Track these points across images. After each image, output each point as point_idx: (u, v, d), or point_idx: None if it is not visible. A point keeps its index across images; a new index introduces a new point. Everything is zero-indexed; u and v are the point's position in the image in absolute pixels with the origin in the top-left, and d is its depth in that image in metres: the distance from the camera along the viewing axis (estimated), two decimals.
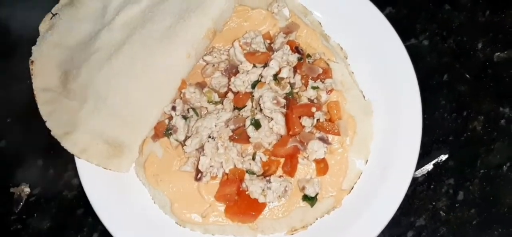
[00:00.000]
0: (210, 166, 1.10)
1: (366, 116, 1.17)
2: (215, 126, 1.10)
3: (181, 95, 1.14)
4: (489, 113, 1.26)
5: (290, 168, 1.12)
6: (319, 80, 1.17)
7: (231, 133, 1.11)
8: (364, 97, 1.18)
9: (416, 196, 1.21)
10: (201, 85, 1.16)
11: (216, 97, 1.15)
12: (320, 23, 1.23)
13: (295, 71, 1.17)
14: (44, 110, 1.10)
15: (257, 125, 1.10)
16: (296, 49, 1.18)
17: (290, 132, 1.11)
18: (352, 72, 1.20)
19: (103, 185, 1.12)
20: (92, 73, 1.10)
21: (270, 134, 1.12)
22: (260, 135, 1.12)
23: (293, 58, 1.17)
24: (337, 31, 1.22)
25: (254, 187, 1.09)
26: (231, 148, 1.11)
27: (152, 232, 1.12)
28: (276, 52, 1.16)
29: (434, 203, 1.21)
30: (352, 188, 1.14)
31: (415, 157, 1.12)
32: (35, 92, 1.12)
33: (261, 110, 1.13)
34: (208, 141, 1.09)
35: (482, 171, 1.23)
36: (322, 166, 1.13)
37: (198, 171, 1.10)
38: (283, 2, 1.23)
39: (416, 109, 1.14)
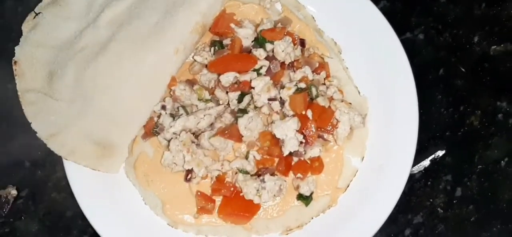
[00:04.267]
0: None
1: (361, 112, 1.14)
2: (198, 124, 1.08)
3: (171, 93, 1.11)
4: (486, 107, 1.24)
5: (284, 168, 1.09)
6: (315, 73, 1.14)
7: (212, 133, 1.09)
8: (359, 93, 1.16)
9: (413, 193, 1.19)
10: (191, 82, 1.13)
11: (206, 95, 1.12)
12: (313, 17, 1.20)
13: (293, 67, 1.14)
14: (29, 111, 1.07)
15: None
16: (300, 42, 1.15)
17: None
18: (347, 68, 1.17)
19: (92, 187, 1.09)
20: (78, 72, 1.07)
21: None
22: (253, 133, 1.09)
23: (297, 52, 1.14)
24: (331, 25, 1.19)
25: (248, 189, 1.07)
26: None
27: (143, 234, 1.09)
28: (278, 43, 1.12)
29: (431, 200, 1.19)
30: (348, 186, 1.12)
31: (412, 154, 1.10)
32: (19, 93, 1.08)
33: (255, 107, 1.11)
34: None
35: (480, 166, 1.21)
36: (317, 164, 1.10)
37: (187, 172, 1.07)
38: None
39: (412, 104, 1.12)
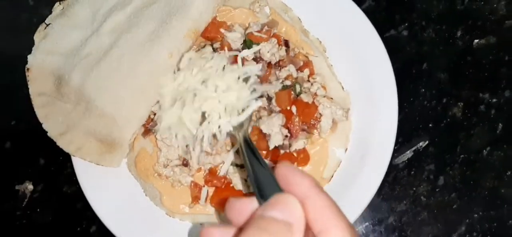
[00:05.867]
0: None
1: (345, 106, 1.21)
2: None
3: None
4: (469, 99, 1.28)
5: (271, 160, 1.17)
6: (299, 71, 1.22)
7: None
8: (343, 88, 1.23)
9: (397, 183, 1.25)
10: None
11: None
12: (299, 18, 1.28)
13: (279, 66, 1.22)
14: (40, 113, 1.18)
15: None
16: (284, 42, 1.23)
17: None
18: (331, 65, 1.24)
19: (97, 181, 1.19)
20: (83, 76, 1.18)
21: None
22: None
23: (282, 52, 1.22)
24: (316, 25, 1.26)
25: (237, 180, 1.16)
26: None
27: (144, 223, 1.19)
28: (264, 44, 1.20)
29: (414, 189, 1.24)
30: (332, 176, 1.19)
31: (391, 144, 1.16)
32: (31, 97, 1.20)
33: None
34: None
35: (462, 156, 1.26)
36: (302, 156, 1.18)
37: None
38: (264, 1, 1.28)
39: (392, 98, 1.18)
